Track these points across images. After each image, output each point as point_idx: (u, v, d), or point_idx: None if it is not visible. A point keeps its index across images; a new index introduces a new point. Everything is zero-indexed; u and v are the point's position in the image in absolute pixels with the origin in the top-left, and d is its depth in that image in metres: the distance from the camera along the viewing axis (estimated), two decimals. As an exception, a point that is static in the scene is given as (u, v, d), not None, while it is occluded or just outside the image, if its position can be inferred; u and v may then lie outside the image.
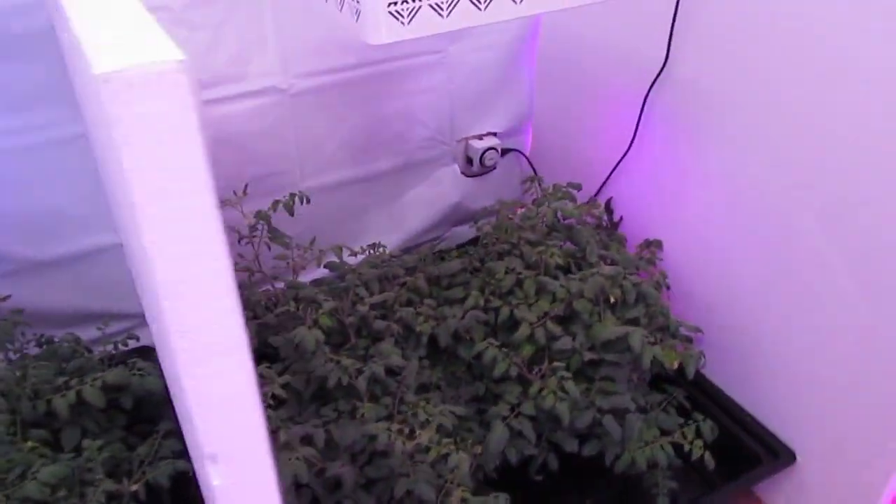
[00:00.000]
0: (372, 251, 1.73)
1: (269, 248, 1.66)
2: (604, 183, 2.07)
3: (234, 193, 1.61)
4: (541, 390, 1.54)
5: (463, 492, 1.35)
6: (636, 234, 1.99)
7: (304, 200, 1.66)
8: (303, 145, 1.95)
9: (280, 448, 1.39)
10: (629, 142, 1.92)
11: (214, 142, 1.82)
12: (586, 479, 1.80)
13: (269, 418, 1.40)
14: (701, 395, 1.77)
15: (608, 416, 1.56)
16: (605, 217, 2.04)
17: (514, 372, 1.56)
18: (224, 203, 1.61)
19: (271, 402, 1.40)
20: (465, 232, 2.38)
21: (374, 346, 1.52)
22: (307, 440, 1.41)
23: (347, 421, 1.47)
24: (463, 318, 1.64)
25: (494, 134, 2.28)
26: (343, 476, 1.36)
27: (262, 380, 1.48)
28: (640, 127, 1.88)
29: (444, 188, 2.31)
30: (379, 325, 1.55)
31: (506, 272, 1.69)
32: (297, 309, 1.51)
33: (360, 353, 1.55)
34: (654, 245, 1.92)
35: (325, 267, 1.65)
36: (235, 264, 1.67)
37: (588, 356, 1.58)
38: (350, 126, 2.01)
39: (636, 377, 1.68)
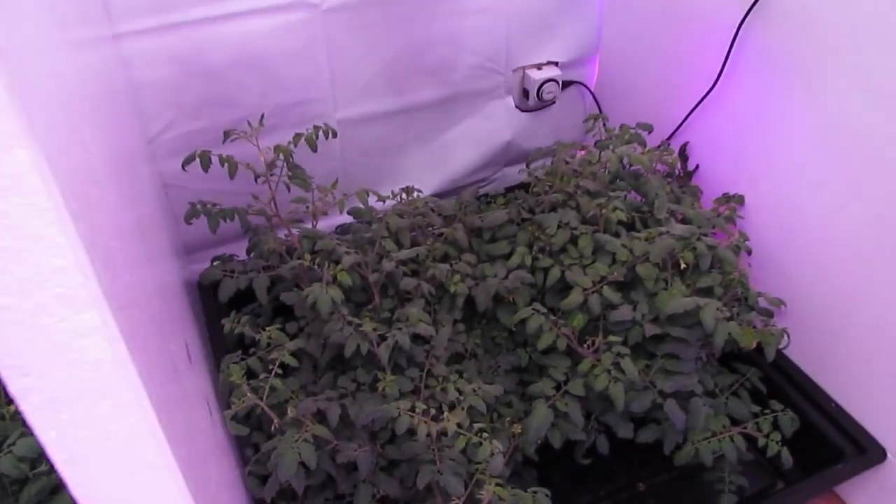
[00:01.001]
0: (404, 196, 1.50)
1: (289, 190, 1.46)
2: (679, 126, 1.79)
3: (249, 124, 1.40)
4: (592, 367, 1.32)
5: (496, 486, 1.16)
6: (713, 187, 1.73)
7: (331, 134, 1.44)
8: (336, 70, 1.72)
9: (287, 424, 1.21)
10: (714, 79, 1.64)
11: (234, 64, 1.60)
12: (639, 463, 1.60)
13: (276, 389, 1.22)
14: (779, 378, 1.53)
15: (670, 400, 1.35)
16: (679, 165, 1.78)
17: (562, 344, 1.35)
18: (238, 135, 1.40)
19: (279, 370, 1.22)
20: (516, 174, 2.13)
21: (400, 309, 1.31)
22: (320, 416, 1.23)
23: (367, 395, 1.28)
24: (506, 278, 1.43)
25: (555, 64, 2.01)
26: (358, 460, 1.18)
27: (272, 343, 1.30)
28: (728, 62, 1.59)
29: (494, 124, 2.06)
30: (407, 283, 1.34)
31: (559, 227, 1.46)
32: (314, 262, 1.31)
33: (385, 315, 1.35)
34: (734, 200, 1.65)
35: (348, 213, 1.44)
36: (249, 206, 1.48)
37: (650, 330, 1.35)
38: (390, 50, 1.77)
39: (705, 356, 1.45)
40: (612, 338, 1.34)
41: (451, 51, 1.85)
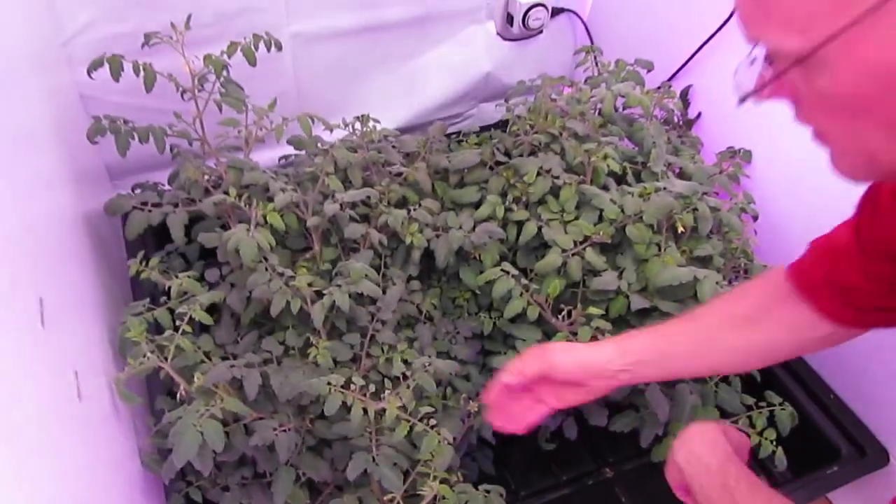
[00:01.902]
0: (358, 127, 1.27)
1: (221, 111, 1.21)
2: (683, 65, 1.56)
3: (174, 27, 1.15)
4: (567, 341, 1.12)
5: (441, 484, 0.96)
6: (717, 139, 1.51)
7: (274, 46, 1.19)
8: (292, -29, 1.47)
9: (197, 393, 1.00)
10: (726, 16, 1.41)
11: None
12: (608, 446, 1.42)
13: (183, 350, 1.00)
14: (776, 367, 1.34)
15: (653, 385, 1.15)
16: (679, 112, 1.55)
17: (533, 313, 1.14)
18: (161, 39, 1.16)
19: (189, 327, 1.00)
20: (493, 112, 1.89)
21: (343, 261, 1.09)
22: (237, 385, 1.02)
23: (295, 361, 1.07)
24: (472, 230, 1.21)
25: (545, -13, 1.76)
26: (277, 443, 0.97)
27: (185, 293, 1.08)
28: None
29: (472, 52, 1.81)
30: (354, 230, 1.12)
31: (538, 174, 1.24)
32: (241, 199, 1.07)
33: (325, 267, 1.13)
34: (740, 156, 1.44)
35: (288, 143, 1.20)
36: (170, 126, 1.23)
37: (637, 303, 1.15)
38: (356, -47, 1.51)
39: (696, 334, 1.25)
40: (591, 309, 1.14)
41: (426, -40, 1.60)
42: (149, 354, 0.99)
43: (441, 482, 0.97)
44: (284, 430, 0.99)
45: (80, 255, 1.10)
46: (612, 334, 1.12)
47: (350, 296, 1.03)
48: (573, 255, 1.17)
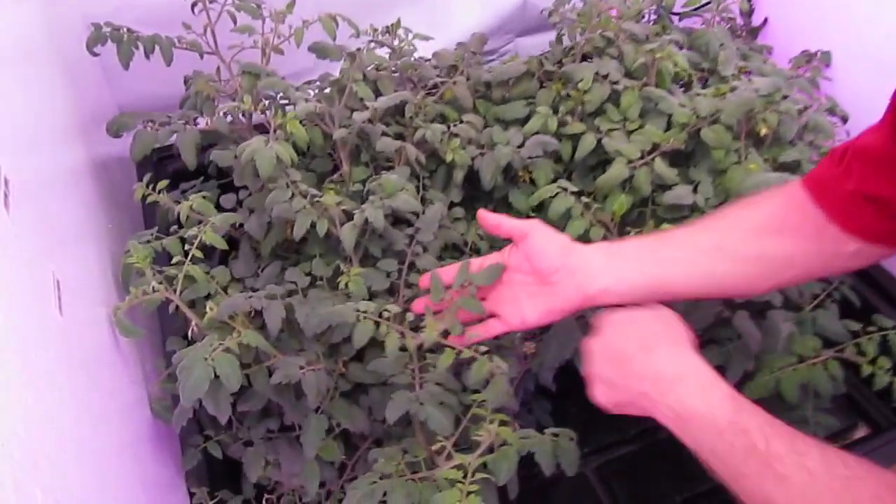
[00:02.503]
0: (389, 37, 1.11)
1: (235, 22, 1.07)
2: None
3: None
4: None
5: (499, 426, 0.81)
6: (786, 47, 1.34)
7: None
8: None
9: (209, 328, 0.86)
10: None
11: None
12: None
13: (194, 279, 0.86)
14: (879, 287, 1.16)
15: (741, 312, 0.99)
16: (741, 18, 1.38)
17: (597, 235, 0.98)
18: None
19: (198, 253, 0.86)
20: (532, 49, 1.72)
21: (375, 178, 0.94)
22: (257, 320, 0.87)
23: (324, 292, 0.92)
24: (521, 146, 1.05)
25: None
26: (304, 383, 0.83)
27: (196, 216, 0.94)
28: None
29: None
30: (387, 144, 0.97)
31: (594, 80, 1.08)
32: (256, 109, 0.93)
33: (356, 188, 0.99)
34: (818, 59, 1.26)
35: (309, 50, 1.05)
36: (178, 38, 1.09)
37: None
38: None
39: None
40: (664, 226, 0.97)
41: None
42: (154, 284, 0.85)
43: (500, 424, 0.82)
44: (313, 370, 0.85)
45: (89, 203, 0.97)
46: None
47: (385, 215, 0.88)
48: (641, 165, 1.01)
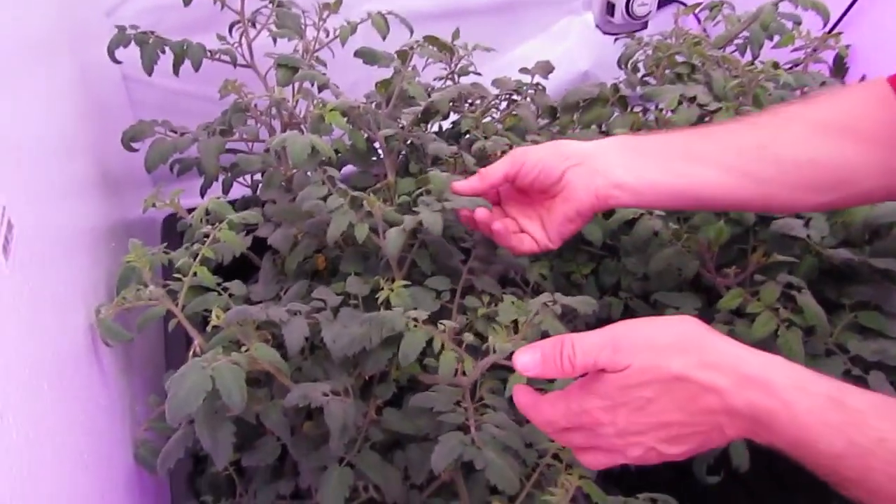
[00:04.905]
0: (446, 54, 0.99)
1: (275, 43, 0.96)
2: (834, 24, 1.28)
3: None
4: (739, 308, 0.78)
5: (581, 478, 0.61)
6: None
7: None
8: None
9: (217, 342, 0.68)
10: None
11: None
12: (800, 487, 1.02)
13: (200, 290, 0.70)
14: None
15: (876, 373, 0.79)
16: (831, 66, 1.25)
17: (690, 269, 0.81)
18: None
19: (208, 252, 0.70)
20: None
21: (423, 176, 0.79)
22: (268, 328, 0.70)
23: (357, 312, 0.75)
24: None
25: (651, -31, 1.52)
26: (330, 415, 0.64)
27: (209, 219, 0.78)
28: None
29: (567, 47, 1.58)
30: (440, 148, 0.82)
31: (679, 103, 0.94)
32: (293, 101, 0.80)
33: (402, 200, 0.83)
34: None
35: (356, 55, 0.92)
36: (211, 52, 0.97)
37: (840, 254, 0.81)
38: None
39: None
40: (776, 257, 0.80)
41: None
42: (153, 288, 0.69)
43: (580, 477, 0.62)
44: (340, 399, 0.66)
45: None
46: (801, 292, 0.78)
47: (439, 214, 0.72)
48: (741, 190, 0.84)
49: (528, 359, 0.56)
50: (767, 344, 0.75)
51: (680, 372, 0.52)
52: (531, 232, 0.74)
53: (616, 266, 0.94)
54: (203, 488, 0.78)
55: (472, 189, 0.72)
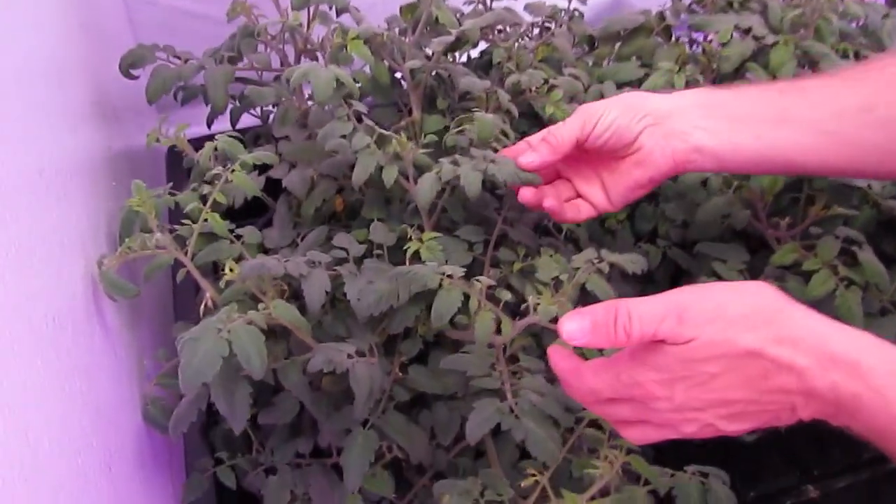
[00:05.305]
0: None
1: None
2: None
3: None
4: (794, 262, 0.72)
5: (626, 454, 0.56)
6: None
7: None
8: None
9: (229, 297, 0.63)
10: None
11: None
12: (813, 458, 0.98)
13: (211, 237, 0.64)
14: None
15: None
16: None
17: (740, 219, 0.75)
18: None
19: (220, 197, 0.64)
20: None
21: (462, 118, 0.72)
22: (285, 279, 0.64)
23: (383, 264, 0.69)
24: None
25: None
26: (356, 377, 0.59)
27: (220, 158, 0.72)
28: None
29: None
30: (472, 84, 0.74)
31: (732, 35, 0.86)
32: (308, 28, 0.72)
33: (428, 139, 0.76)
34: None
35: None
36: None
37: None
38: None
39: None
40: (836, 209, 0.73)
41: None
42: (159, 236, 0.63)
43: (627, 452, 0.57)
44: (365, 361, 0.61)
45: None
46: (862, 248, 0.72)
47: (477, 164, 0.65)
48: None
49: (575, 326, 0.50)
50: (822, 304, 0.70)
51: (752, 347, 0.46)
52: (589, 196, 0.68)
53: (653, 212, 0.87)
54: (217, 443, 0.74)
55: (542, 163, 0.65)
